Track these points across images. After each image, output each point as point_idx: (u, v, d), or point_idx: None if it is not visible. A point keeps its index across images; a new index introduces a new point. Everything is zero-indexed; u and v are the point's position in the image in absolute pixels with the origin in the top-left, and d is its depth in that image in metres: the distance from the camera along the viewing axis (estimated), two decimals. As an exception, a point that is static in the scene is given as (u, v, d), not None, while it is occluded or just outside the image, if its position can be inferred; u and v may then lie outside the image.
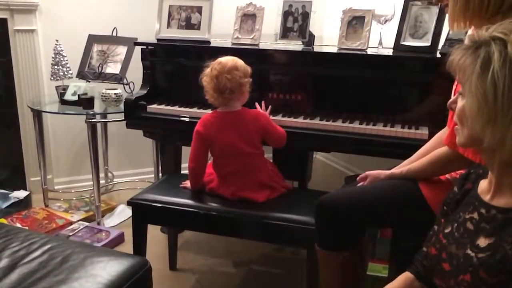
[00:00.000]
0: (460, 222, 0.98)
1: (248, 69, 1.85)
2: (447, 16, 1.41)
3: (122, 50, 2.76)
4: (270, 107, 2.03)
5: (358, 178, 1.61)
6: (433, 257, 1.02)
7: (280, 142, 1.94)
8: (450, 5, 1.29)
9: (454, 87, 1.40)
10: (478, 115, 0.86)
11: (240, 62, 1.84)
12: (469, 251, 0.92)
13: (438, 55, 1.95)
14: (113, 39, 2.82)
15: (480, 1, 1.23)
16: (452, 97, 1.11)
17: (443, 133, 1.52)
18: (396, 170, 1.53)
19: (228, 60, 1.83)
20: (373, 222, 1.54)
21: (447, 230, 1.01)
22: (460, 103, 0.93)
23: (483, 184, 0.99)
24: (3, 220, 2.55)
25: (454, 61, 0.92)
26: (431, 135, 1.74)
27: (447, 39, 1.95)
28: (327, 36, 2.70)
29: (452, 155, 1.34)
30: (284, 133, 1.93)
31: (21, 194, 2.83)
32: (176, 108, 2.23)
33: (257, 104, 2.04)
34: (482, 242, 0.91)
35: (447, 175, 1.44)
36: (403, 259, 1.54)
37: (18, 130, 2.96)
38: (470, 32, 1.39)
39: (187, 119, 2.17)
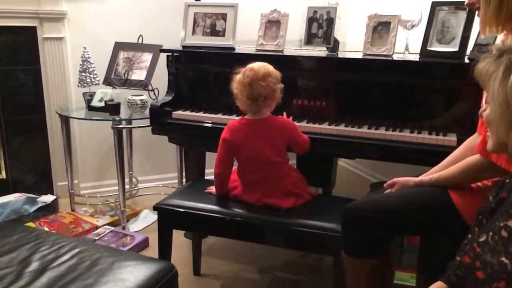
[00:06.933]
0: (495, 231, 0.97)
1: (279, 74, 1.83)
2: (476, 20, 1.39)
3: (147, 57, 2.80)
4: (291, 117, 2.01)
5: (385, 185, 1.59)
6: (467, 266, 1.01)
7: (305, 149, 1.93)
8: (482, 9, 1.27)
9: (484, 94, 1.38)
10: (501, 120, 0.89)
11: (271, 67, 1.83)
12: (503, 259, 0.91)
13: (466, 61, 1.91)
14: (139, 46, 2.86)
15: None
16: (482, 105, 1.10)
17: (472, 140, 1.49)
18: (425, 177, 1.51)
19: (260, 66, 1.81)
20: (402, 229, 1.52)
21: (481, 239, 0.99)
22: (487, 110, 0.95)
23: (518, 192, 0.97)
24: (31, 224, 2.61)
25: (478, 69, 0.95)
26: (459, 141, 1.71)
27: (475, 44, 1.92)
28: (351, 42, 2.68)
29: (485, 163, 1.31)
30: (308, 140, 1.92)
31: (48, 198, 2.89)
32: (201, 114, 2.24)
33: (284, 113, 2.04)
34: None
35: (478, 183, 1.41)
36: (431, 267, 1.52)
37: (46, 136, 3.02)
38: (502, 37, 1.37)
39: (211, 125, 2.19)
